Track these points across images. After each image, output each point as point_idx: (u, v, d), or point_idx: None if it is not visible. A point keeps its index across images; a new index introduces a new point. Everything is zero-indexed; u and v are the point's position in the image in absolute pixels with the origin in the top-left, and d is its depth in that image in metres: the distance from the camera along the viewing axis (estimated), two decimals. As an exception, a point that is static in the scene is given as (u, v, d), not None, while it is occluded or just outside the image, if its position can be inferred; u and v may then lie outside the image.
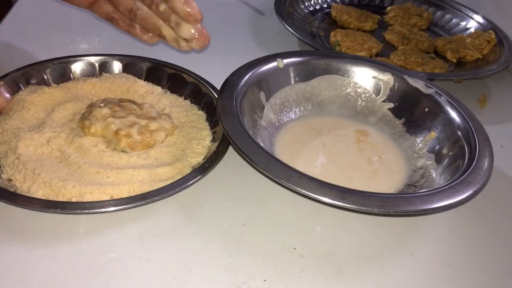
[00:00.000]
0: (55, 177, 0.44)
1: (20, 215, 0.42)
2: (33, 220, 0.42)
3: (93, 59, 0.58)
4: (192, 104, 0.56)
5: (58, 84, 0.55)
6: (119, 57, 0.59)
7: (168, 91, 0.58)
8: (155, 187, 0.44)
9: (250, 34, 0.79)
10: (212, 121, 0.53)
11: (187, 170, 0.47)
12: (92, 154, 0.47)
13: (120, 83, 0.56)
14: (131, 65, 0.59)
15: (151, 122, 0.49)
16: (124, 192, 0.44)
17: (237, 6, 0.87)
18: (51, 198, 0.42)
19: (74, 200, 0.42)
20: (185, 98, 0.57)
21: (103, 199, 0.43)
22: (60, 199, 0.42)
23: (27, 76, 0.55)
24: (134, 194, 0.43)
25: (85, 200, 0.42)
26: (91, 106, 0.50)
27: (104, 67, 0.58)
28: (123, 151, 0.47)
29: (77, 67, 0.58)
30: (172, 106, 0.55)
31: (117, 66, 0.59)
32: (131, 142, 0.47)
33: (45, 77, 0.56)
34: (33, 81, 0.55)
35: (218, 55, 0.71)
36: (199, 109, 0.55)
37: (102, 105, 0.50)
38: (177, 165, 0.47)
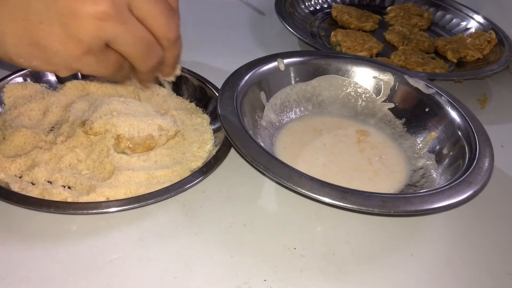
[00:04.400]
0: (53, 175, 0.44)
1: (21, 215, 0.42)
2: (33, 221, 0.42)
3: None
4: (197, 107, 0.56)
5: (64, 83, 0.55)
6: None
7: (174, 93, 0.57)
8: (151, 190, 0.44)
9: (250, 34, 0.79)
10: (216, 125, 0.53)
11: (186, 174, 0.46)
12: (92, 154, 0.47)
13: (126, 84, 0.56)
14: None
15: (153, 124, 0.49)
16: (121, 194, 0.43)
17: (238, 6, 0.87)
18: (47, 197, 0.42)
19: (69, 200, 0.42)
20: (191, 101, 0.57)
21: (99, 200, 0.42)
22: (56, 198, 0.42)
23: (34, 74, 0.55)
24: (130, 196, 0.43)
25: (80, 201, 0.42)
26: (94, 106, 0.50)
27: None
28: (123, 152, 0.47)
29: None
30: (177, 108, 0.55)
31: None
32: (131, 144, 0.47)
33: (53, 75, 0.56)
34: (44, 79, 0.55)
35: (218, 55, 0.71)
36: (204, 113, 0.55)
37: (105, 104, 0.49)
38: (176, 168, 0.47)
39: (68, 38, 0.33)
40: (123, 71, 0.38)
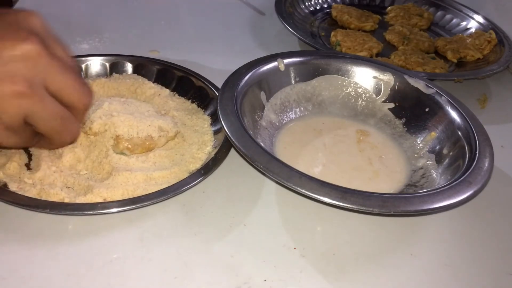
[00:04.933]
0: (51, 175, 0.44)
1: (20, 215, 0.42)
2: (33, 220, 0.42)
3: (104, 59, 0.58)
4: (199, 108, 0.56)
5: None
6: (130, 58, 0.59)
7: (176, 94, 0.57)
8: (149, 191, 0.43)
9: (250, 34, 0.79)
10: (216, 127, 0.53)
11: (184, 176, 0.46)
12: (91, 154, 0.47)
13: (128, 84, 0.56)
14: (142, 66, 0.59)
15: (153, 125, 0.49)
16: (118, 195, 0.43)
17: (238, 6, 0.87)
18: (44, 197, 0.42)
19: (66, 201, 0.42)
20: (192, 102, 0.57)
21: (96, 201, 0.42)
22: (53, 199, 0.42)
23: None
24: (126, 198, 0.43)
25: (77, 202, 0.42)
26: (94, 106, 0.50)
27: (115, 68, 0.58)
28: (122, 153, 0.47)
29: (88, 67, 0.58)
30: (178, 109, 0.55)
31: (128, 67, 0.59)
32: (130, 145, 0.47)
33: None
34: None
35: (218, 55, 0.71)
36: (205, 114, 0.55)
37: (105, 104, 0.49)
38: (174, 170, 0.47)
39: None
40: (36, 140, 0.41)
